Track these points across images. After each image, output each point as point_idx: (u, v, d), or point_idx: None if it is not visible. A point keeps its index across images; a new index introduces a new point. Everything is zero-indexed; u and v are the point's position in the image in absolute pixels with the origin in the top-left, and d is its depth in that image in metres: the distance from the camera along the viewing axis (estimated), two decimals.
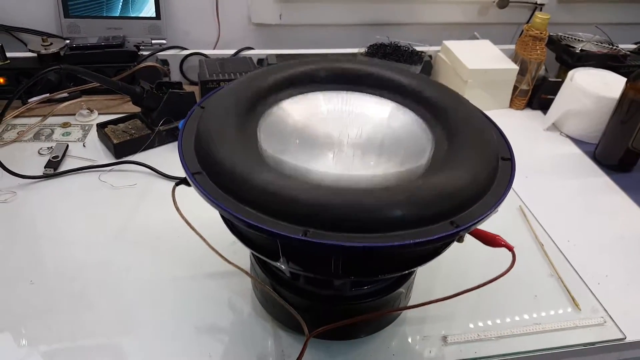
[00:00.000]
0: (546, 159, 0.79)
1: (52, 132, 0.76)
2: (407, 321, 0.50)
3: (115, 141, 0.70)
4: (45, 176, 0.66)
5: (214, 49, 0.99)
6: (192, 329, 0.48)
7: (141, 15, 0.92)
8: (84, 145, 0.73)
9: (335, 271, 0.35)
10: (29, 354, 0.45)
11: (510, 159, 0.39)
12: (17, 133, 0.74)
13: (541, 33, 0.86)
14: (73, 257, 0.55)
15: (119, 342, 0.46)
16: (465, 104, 0.44)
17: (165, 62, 0.91)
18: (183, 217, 0.45)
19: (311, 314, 0.43)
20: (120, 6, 0.91)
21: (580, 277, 0.57)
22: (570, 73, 0.85)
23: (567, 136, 0.85)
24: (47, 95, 0.81)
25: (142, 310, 0.49)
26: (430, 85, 0.46)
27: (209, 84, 0.79)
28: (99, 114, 0.80)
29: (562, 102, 0.85)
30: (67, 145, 0.72)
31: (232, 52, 0.93)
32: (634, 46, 1.02)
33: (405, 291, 0.47)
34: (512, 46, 0.95)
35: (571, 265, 0.59)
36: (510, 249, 0.38)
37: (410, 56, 0.92)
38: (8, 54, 0.81)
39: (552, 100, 0.87)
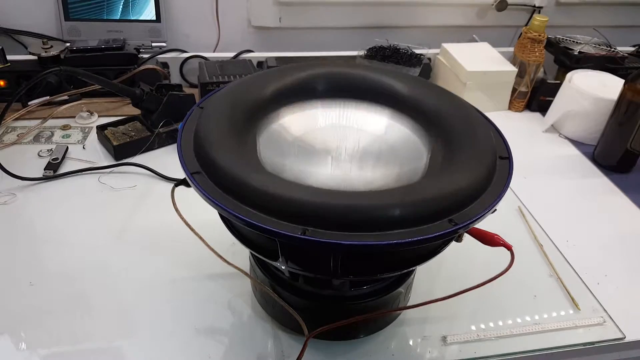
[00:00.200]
0: (545, 160, 0.80)
1: (52, 134, 0.76)
2: (407, 321, 0.50)
3: (115, 143, 0.70)
4: (45, 178, 0.66)
5: (214, 51, 0.99)
6: (192, 330, 0.48)
7: (141, 18, 0.92)
8: (83, 148, 0.73)
9: (334, 270, 0.35)
10: (29, 356, 0.45)
11: (508, 158, 0.40)
12: (17, 135, 0.74)
13: (539, 35, 0.87)
14: (73, 258, 0.55)
15: (119, 343, 0.46)
16: (462, 104, 0.44)
17: (165, 64, 0.91)
18: (182, 219, 0.45)
19: (311, 314, 0.43)
20: (120, 9, 0.91)
21: (579, 277, 0.57)
22: (569, 75, 0.85)
23: (566, 138, 0.85)
24: (47, 97, 0.81)
25: (141, 311, 0.49)
26: (426, 88, 0.46)
27: (209, 86, 0.79)
28: (99, 116, 0.81)
29: (560, 103, 0.85)
30: (67, 148, 0.72)
31: (232, 54, 0.94)
32: (632, 49, 1.03)
33: (404, 291, 0.47)
34: (511, 49, 0.95)
35: (570, 265, 0.59)
36: (508, 247, 0.38)
37: (409, 59, 0.92)
38: (8, 57, 0.81)
39: (550, 102, 0.87)
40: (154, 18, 0.92)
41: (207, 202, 0.34)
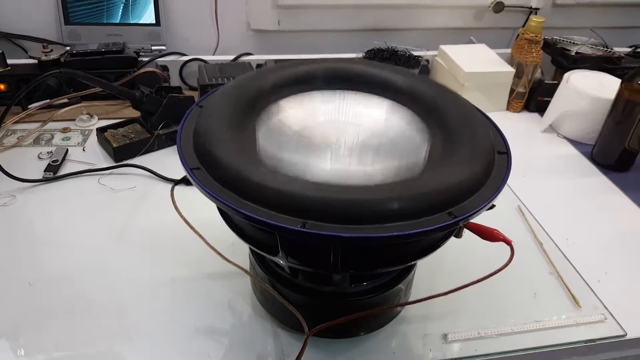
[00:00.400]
0: (544, 159, 0.80)
1: (52, 137, 0.76)
2: (407, 319, 0.50)
3: (114, 145, 0.70)
4: (45, 180, 0.66)
5: (214, 54, 1.00)
6: (192, 329, 0.48)
7: (141, 21, 0.93)
8: (83, 150, 0.73)
9: (334, 265, 0.35)
10: (29, 359, 0.45)
11: (506, 153, 0.40)
12: (17, 138, 0.75)
13: (536, 36, 0.87)
14: (72, 259, 0.55)
15: (119, 344, 0.46)
16: (460, 101, 0.44)
17: (165, 68, 0.91)
18: (182, 217, 0.45)
19: (310, 312, 0.43)
20: (120, 13, 0.92)
21: (579, 275, 0.57)
22: (566, 75, 0.86)
23: (565, 137, 0.86)
24: (47, 101, 0.81)
25: (141, 311, 0.49)
26: (425, 83, 0.46)
27: (209, 88, 0.80)
28: (99, 119, 0.81)
29: (558, 103, 0.85)
30: (67, 150, 0.72)
31: (231, 57, 0.94)
32: (629, 49, 1.03)
33: (404, 288, 0.47)
34: (508, 50, 0.96)
35: (570, 263, 0.59)
36: (508, 242, 0.38)
37: (407, 60, 0.93)
38: (9, 61, 0.82)
39: (548, 102, 0.88)
40: (154, 22, 0.93)
41: (206, 196, 0.34)
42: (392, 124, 0.44)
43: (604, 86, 0.82)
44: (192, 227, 0.46)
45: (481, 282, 0.39)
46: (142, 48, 0.92)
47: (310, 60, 0.49)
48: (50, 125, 0.79)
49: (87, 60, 0.83)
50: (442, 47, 0.95)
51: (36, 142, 0.75)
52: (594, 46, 0.96)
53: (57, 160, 0.69)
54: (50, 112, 0.81)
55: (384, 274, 0.44)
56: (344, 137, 0.43)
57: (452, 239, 0.40)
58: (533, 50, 0.88)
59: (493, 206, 0.39)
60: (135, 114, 0.77)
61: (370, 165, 0.41)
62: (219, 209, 0.40)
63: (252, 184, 0.33)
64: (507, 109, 0.93)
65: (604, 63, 0.92)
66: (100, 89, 0.75)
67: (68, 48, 0.85)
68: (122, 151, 0.71)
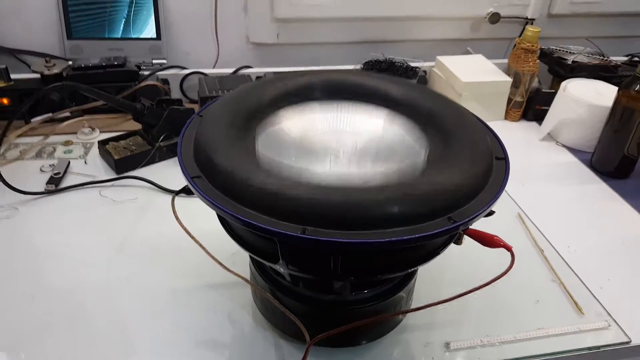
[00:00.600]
0: (543, 168, 0.80)
1: (54, 150, 0.76)
2: (409, 328, 0.50)
3: (116, 157, 0.71)
4: (47, 192, 0.67)
5: (214, 67, 1.01)
6: (193, 340, 0.48)
7: (142, 36, 0.94)
8: (85, 162, 0.74)
9: (334, 271, 0.35)
10: None
11: (504, 158, 0.40)
12: (20, 151, 0.75)
13: (533, 45, 0.88)
14: (74, 271, 0.55)
15: (120, 355, 0.46)
16: (457, 108, 0.45)
17: (165, 81, 0.92)
18: (183, 227, 0.45)
19: (311, 321, 0.43)
20: (121, 28, 0.93)
21: (582, 281, 0.57)
22: (564, 84, 0.86)
23: (563, 145, 0.86)
24: (50, 114, 0.82)
25: (142, 323, 0.49)
26: (422, 92, 0.47)
27: (209, 100, 0.81)
28: (101, 132, 0.81)
29: (556, 112, 0.86)
30: (69, 162, 0.73)
31: (231, 70, 0.95)
32: (625, 58, 1.04)
33: (406, 296, 0.47)
34: (505, 60, 0.97)
35: (572, 270, 0.58)
36: (509, 249, 0.38)
37: (405, 72, 0.94)
38: (12, 76, 0.83)
39: (546, 111, 0.88)
40: (155, 36, 0.94)
41: (206, 204, 0.34)
42: (391, 131, 0.44)
43: (601, 94, 0.83)
44: (192, 237, 0.46)
45: (483, 290, 0.39)
46: (143, 62, 0.93)
47: (309, 71, 0.50)
48: (53, 138, 0.79)
49: (89, 74, 0.84)
50: (439, 57, 0.96)
51: (38, 155, 0.75)
52: (591, 55, 0.97)
53: (59, 173, 0.69)
54: (52, 125, 0.81)
55: (385, 281, 0.44)
56: (343, 145, 0.43)
57: (453, 246, 0.40)
58: (530, 59, 0.89)
59: (492, 212, 0.39)
60: (137, 126, 0.78)
61: (370, 172, 0.41)
62: (219, 217, 0.40)
63: (252, 191, 0.33)
64: (505, 118, 0.94)
65: (600, 71, 0.93)
66: (102, 103, 0.76)
67: (70, 62, 0.86)
68: (124, 163, 0.71)
